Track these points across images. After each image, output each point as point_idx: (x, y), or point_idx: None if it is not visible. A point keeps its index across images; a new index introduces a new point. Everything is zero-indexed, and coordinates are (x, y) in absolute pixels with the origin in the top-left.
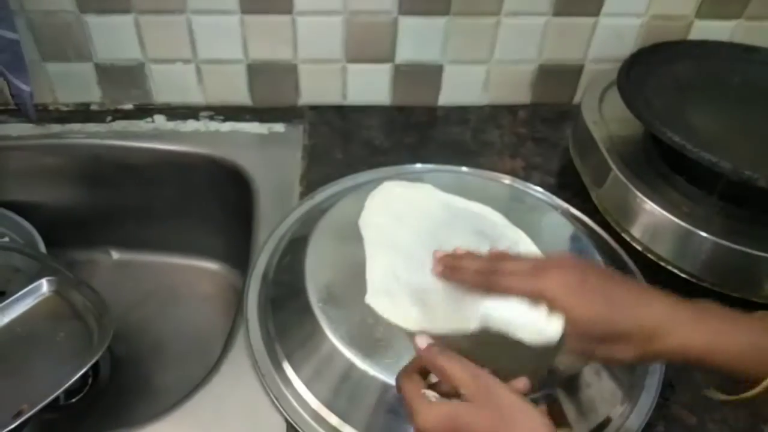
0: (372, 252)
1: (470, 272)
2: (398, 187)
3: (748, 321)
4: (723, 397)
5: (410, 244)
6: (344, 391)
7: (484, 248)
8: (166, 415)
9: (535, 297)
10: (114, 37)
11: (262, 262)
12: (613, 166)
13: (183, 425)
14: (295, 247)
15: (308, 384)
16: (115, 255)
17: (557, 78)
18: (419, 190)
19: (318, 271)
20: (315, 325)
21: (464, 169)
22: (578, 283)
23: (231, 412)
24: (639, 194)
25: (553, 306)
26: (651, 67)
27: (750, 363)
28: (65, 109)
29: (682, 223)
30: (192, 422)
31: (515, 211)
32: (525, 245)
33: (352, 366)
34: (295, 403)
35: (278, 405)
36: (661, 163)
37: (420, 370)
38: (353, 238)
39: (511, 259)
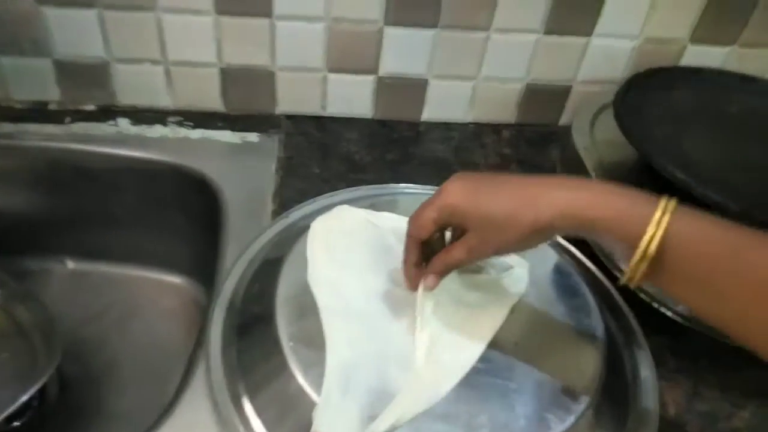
0: (328, 323)
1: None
2: (334, 221)
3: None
4: (623, 279)
5: (366, 298)
6: None
7: (455, 278)
8: None
9: (442, 208)
10: (76, 32)
11: (228, 287)
12: None
13: None
14: (267, 273)
15: (269, 428)
16: (71, 264)
17: (544, 98)
18: (356, 219)
19: (291, 303)
20: (283, 365)
21: None
22: (473, 184)
23: None
24: None
25: (455, 210)
26: (647, 94)
27: (629, 224)
28: (20, 107)
29: None
30: None
31: None
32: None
33: None
34: None
35: None
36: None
37: None
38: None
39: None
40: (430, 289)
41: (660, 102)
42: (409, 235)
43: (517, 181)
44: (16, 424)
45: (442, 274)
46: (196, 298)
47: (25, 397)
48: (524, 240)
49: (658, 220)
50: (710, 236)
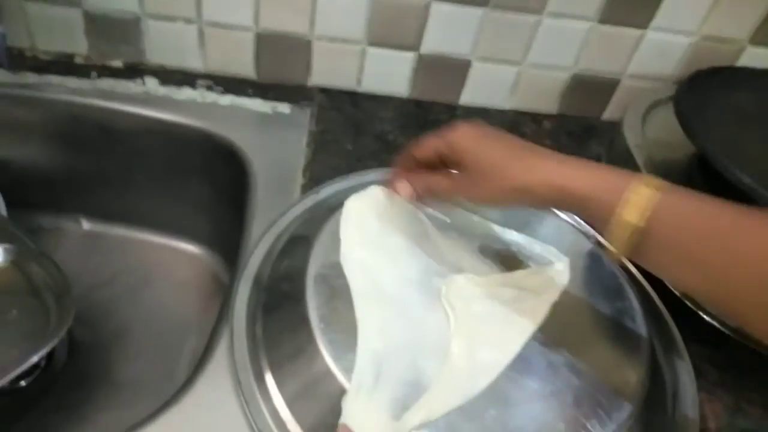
0: (360, 308)
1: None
2: (369, 201)
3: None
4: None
5: (401, 285)
6: (331, 422)
7: (494, 272)
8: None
9: (445, 139)
10: None
11: (255, 260)
12: None
13: None
14: (296, 250)
15: (291, 405)
16: (86, 225)
17: (590, 90)
18: (393, 201)
19: (321, 283)
20: (312, 344)
21: None
22: (482, 131)
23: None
24: None
25: (456, 145)
26: (709, 93)
27: (611, 196)
28: (45, 57)
29: None
30: None
31: (541, 235)
32: (547, 253)
33: (344, 394)
34: (273, 426)
35: (254, 426)
36: None
37: None
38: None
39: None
40: (395, 191)
41: (721, 102)
42: (405, 150)
43: (520, 143)
44: (22, 383)
45: (419, 194)
46: (213, 270)
47: (35, 358)
48: (504, 195)
49: (648, 195)
50: (703, 211)
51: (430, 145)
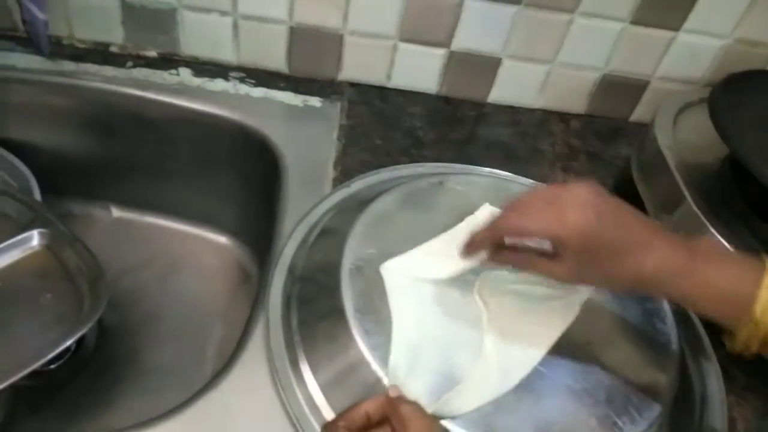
0: (395, 301)
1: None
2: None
3: (738, 267)
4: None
5: (436, 280)
6: None
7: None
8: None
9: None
10: None
11: (289, 251)
12: (688, 196)
13: (191, 423)
14: (330, 241)
15: (326, 392)
16: (116, 212)
17: (619, 91)
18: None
19: (356, 275)
20: (347, 334)
21: (522, 179)
22: (594, 228)
23: (240, 414)
24: (714, 231)
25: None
26: (743, 96)
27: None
28: (81, 46)
29: None
30: (200, 419)
31: None
32: None
33: (379, 383)
34: (308, 412)
35: (290, 410)
36: (741, 203)
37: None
38: (396, 240)
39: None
40: (474, 258)
41: (755, 105)
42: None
43: (641, 222)
44: (52, 366)
45: (497, 261)
46: (241, 260)
47: (68, 342)
48: (612, 286)
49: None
50: None
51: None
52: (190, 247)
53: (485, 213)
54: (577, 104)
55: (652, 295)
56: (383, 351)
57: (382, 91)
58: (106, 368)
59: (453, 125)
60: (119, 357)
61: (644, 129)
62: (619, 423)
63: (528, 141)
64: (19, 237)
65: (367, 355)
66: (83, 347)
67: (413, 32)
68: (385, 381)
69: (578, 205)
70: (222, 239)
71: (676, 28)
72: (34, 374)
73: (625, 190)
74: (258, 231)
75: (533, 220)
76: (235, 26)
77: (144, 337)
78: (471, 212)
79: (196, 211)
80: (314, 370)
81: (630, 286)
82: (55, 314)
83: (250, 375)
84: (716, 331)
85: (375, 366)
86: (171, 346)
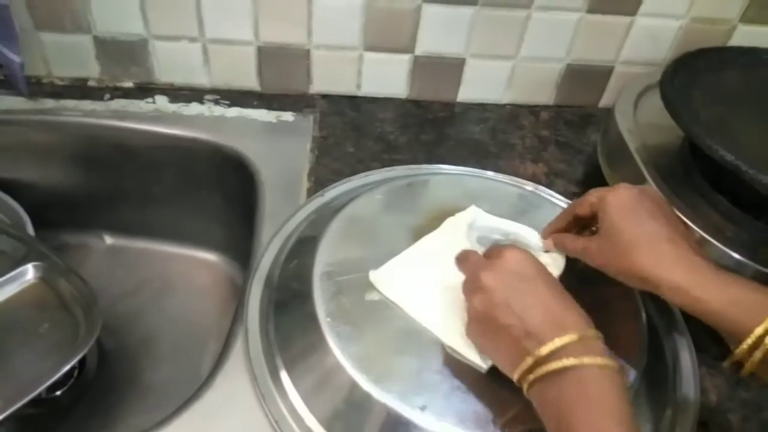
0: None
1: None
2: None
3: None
4: (725, 363)
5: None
6: (344, 412)
7: None
8: (159, 428)
9: (602, 200)
10: (115, 8)
11: (266, 262)
12: (650, 180)
13: None
14: (304, 249)
15: (306, 399)
16: (109, 240)
17: (584, 79)
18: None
19: (327, 280)
20: (321, 339)
21: (489, 173)
22: (638, 204)
23: (223, 425)
24: (674, 209)
25: (606, 219)
26: (696, 75)
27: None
28: (60, 83)
29: (725, 249)
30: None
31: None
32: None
33: (355, 386)
34: (291, 420)
35: (272, 420)
36: (701, 180)
37: None
38: (366, 244)
39: None
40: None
41: (709, 83)
42: (569, 206)
43: (668, 230)
44: (57, 393)
45: (555, 246)
46: (230, 275)
47: (66, 368)
48: (628, 279)
49: None
50: None
51: (587, 202)
52: (181, 268)
53: (470, 214)
54: (545, 96)
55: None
56: (357, 353)
57: (353, 101)
58: (107, 391)
59: (424, 127)
60: (120, 379)
61: (608, 114)
62: None
63: (498, 136)
64: (15, 272)
65: (342, 359)
66: (85, 372)
67: (376, 41)
68: (362, 384)
69: (626, 187)
70: (211, 257)
71: (632, 12)
72: (39, 401)
73: (594, 176)
74: (243, 246)
75: (592, 191)
76: (205, 51)
77: (143, 358)
78: (439, 210)
79: (185, 232)
80: (293, 377)
81: (634, 282)
82: (52, 343)
83: (232, 385)
84: None
85: (350, 370)
86: (169, 365)
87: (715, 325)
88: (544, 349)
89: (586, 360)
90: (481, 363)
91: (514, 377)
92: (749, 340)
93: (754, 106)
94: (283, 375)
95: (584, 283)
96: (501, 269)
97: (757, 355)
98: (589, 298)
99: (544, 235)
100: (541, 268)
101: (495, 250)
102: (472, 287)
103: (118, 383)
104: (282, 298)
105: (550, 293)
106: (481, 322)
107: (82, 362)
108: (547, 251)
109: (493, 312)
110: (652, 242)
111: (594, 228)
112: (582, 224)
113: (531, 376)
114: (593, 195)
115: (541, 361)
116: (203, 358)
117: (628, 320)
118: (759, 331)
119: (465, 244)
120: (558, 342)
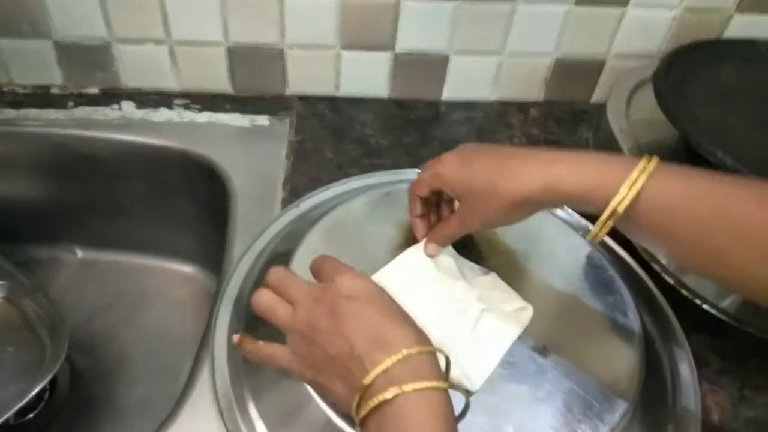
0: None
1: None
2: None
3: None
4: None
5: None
6: None
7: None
8: None
9: (432, 175)
10: (75, 11)
11: (235, 282)
12: None
13: None
14: None
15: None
16: (81, 253)
17: (575, 74)
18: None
19: None
20: None
21: None
22: (468, 156)
23: None
24: None
25: (442, 178)
26: (690, 70)
27: (603, 190)
28: (21, 91)
29: None
30: None
31: (530, 231)
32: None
33: (327, 421)
34: None
35: None
36: None
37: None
38: (343, 259)
39: None
40: (431, 255)
41: (705, 79)
42: (409, 191)
43: (504, 153)
44: (30, 416)
45: (440, 243)
46: (207, 288)
47: (32, 393)
48: (507, 213)
49: (633, 181)
50: (696, 194)
51: (423, 183)
52: (156, 281)
53: None
54: (534, 92)
55: (541, 209)
56: None
57: (332, 102)
58: (81, 412)
59: (407, 129)
60: (94, 399)
61: (601, 111)
62: (578, 431)
63: (485, 136)
64: None
65: (311, 391)
66: (56, 393)
67: (354, 38)
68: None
69: (448, 154)
70: (186, 269)
71: (624, 3)
72: (11, 427)
73: None
74: (219, 257)
75: (423, 172)
76: (172, 53)
77: (117, 376)
78: None
79: (159, 244)
80: (261, 411)
81: (512, 211)
82: (17, 367)
83: (198, 419)
84: (691, 319)
85: (321, 403)
86: (144, 382)
87: (579, 207)
88: (367, 379)
89: (406, 387)
90: (467, 385)
91: (354, 416)
92: (605, 215)
93: (752, 103)
94: (251, 407)
95: (573, 298)
96: (330, 295)
97: (609, 223)
98: (580, 314)
99: (418, 226)
100: (373, 289)
101: (326, 273)
102: (293, 326)
103: (92, 403)
104: (252, 322)
105: (379, 313)
106: (306, 360)
107: (53, 383)
108: (431, 255)
109: (316, 345)
110: (501, 171)
111: (446, 197)
112: (434, 201)
113: (363, 412)
114: (425, 174)
115: (366, 395)
116: (180, 375)
117: (623, 337)
118: (613, 203)
119: (449, 257)
120: (380, 368)
